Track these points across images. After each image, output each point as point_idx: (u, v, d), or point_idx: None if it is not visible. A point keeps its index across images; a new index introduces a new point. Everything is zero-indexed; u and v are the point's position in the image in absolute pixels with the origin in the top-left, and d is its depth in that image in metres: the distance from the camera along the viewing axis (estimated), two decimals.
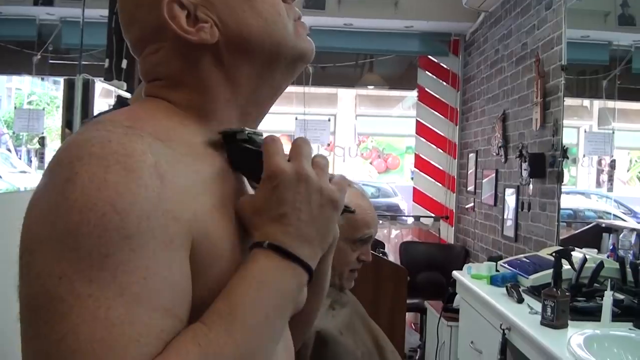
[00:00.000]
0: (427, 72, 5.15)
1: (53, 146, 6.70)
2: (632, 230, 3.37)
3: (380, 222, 4.98)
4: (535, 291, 2.54)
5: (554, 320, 2.04)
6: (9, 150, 11.39)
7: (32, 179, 8.14)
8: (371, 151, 12.53)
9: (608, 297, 2.08)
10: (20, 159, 11.30)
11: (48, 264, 0.53)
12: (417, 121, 5.20)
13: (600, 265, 2.48)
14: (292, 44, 0.72)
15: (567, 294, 2.08)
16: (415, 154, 5.28)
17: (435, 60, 5.16)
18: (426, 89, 5.15)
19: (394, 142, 12.41)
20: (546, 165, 3.20)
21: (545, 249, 3.07)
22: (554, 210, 3.15)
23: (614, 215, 4.89)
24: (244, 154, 0.68)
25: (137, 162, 0.56)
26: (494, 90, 4.18)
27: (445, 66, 5.12)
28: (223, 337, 0.57)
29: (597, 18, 3.41)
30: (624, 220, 5.06)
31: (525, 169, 3.35)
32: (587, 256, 2.59)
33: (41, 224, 0.55)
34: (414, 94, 5.40)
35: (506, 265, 2.95)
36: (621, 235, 3.34)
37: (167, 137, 0.62)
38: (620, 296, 2.28)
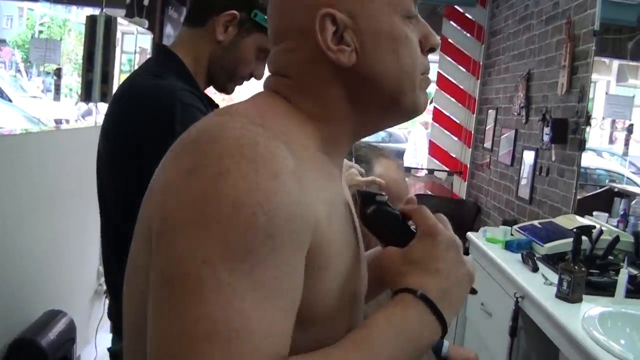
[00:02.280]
0: (451, 22, 5.02)
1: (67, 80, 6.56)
2: None
3: None
4: (550, 260, 2.57)
5: (570, 295, 2.07)
6: (19, 71, 11.23)
7: (45, 106, 7.97)
8: None
9: (623, 274, 2.10)
10: (30, 80, 11.13)
11: (192, 246, 0.56)
12: (437, 72, 5.11)
13: (616, 239, 2.49)
14: (412, 98, 0.76)
15: (583, 269, 2.09)
16: (434, 106, 5.21)
17: (461, 11, 5.03)
18: (449, 39, 5.03)
19: None
20: (568, 131, 3.17)
21: (560, 216, 3.08)
22: (572, 177, 3.13)
23: (627, 178, 4.88)
24: (381, 215, 0.75)
25: (282, 167, 0.61)
26: (521, 47, 4.08)
27: (471, 17, 4.99)
28: None
29: None
30: (638, 185, 5.06)
31: (547, 134, 3.31)
32: (603, 228, 2.60)
33: (188, 208, 0.58)
34: None
35: (521, 231, 2.96)
36: (633, 202, 3.33)
37: (290, 139, 0.66)
38: (634, 271, 2.30)
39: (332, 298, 0.68)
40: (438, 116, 5.19)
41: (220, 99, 1.60)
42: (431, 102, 5.22)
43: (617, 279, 2.13)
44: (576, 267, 2.07)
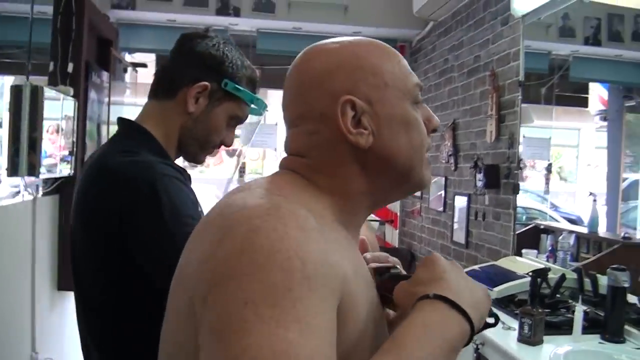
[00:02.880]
0: None
1: None
2: (571, 232, 3.55)
3: None
4: (501, 303, 2.63)
5: (531, 337, 2.12)
6: None
7: None
8: None
9: (579, 312, 2.18)
10: None
11: (235, 294, 0.60)
12: None
13: (562, 277, 2.59)
14: (420, 174, 0.84)
15: (540, 311, 2.16)
16: None
17: None
18: None
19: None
20: (501, 176, 3.31)
21: (502, 259, 3.17)
22: (509, 220, 3.26)
23: (550, 216, 5.14)
24: (394, 281, 0.81)
25: (307, 224, 0.67)
26: (443, 98, 4.27)
27: None
28: None
29: (539, 29, 3.54)
30: (557, 221, 5.33)
31: (480, 180, 3.44)
32: (544, 265, 2.71)
33: (228, 265, 0.63)
34: None
35: None
36: (560, 237, 3.50)
37: (308, 208, 0.72)
38: (582, 306, 2.40)
39: (359, 354, 0.71)
40: None
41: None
42: None
43: (572, 317, 2.21)
44: (535, 310, 2.13)
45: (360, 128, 0.78)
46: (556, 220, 5.20)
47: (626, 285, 2.12)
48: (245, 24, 4.66)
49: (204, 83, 1.31)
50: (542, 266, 2.73)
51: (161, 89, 1.36)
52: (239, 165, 4.83)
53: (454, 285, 0.74)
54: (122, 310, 1.21)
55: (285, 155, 0.87)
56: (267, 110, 1.49)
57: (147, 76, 6.18)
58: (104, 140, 3.84)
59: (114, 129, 4.09)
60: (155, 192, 1.15)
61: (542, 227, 3.80)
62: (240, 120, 1.41)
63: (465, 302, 0.72)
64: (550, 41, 3.60)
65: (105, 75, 3.79)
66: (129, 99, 4.61)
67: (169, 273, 1.12)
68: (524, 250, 3.29)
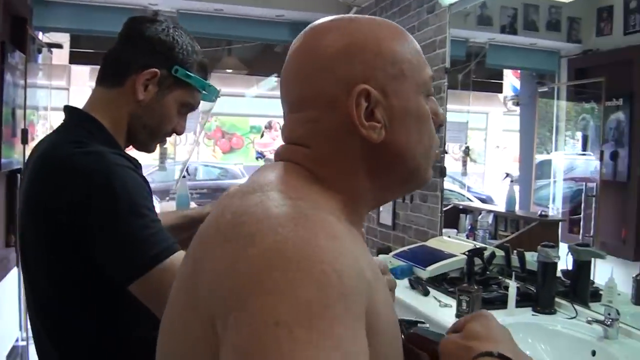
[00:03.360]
0: None
1: None
2: (490, 211, 3.74)
3: None
4: (436, 282, 2.73)
5: (469, 313, 2.22)
6: None
7: None
8: (215, 131, 12.38)
9: (513, 287, 2.31)
10: None
11: (263, 312, 0.53)
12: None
13: (493, 255, 2.73)
14: (426, 173, 0.80)
15: (476, 287, 2.27)
16: None
17: None
18: None
19: (237, 122, 12.36)
20: None
21: (431, 239, 3.29)
22: (436, 202, 3.38)
23: (467, 198, 5.37)
24: (426, 331, 0.83)
25: (337, 231, 0.62)
26: None
27: None
28: None
29: (458, 18, 3.67)
30: (471, 201, 5.57)
31: None
32: (477, 246, 2.84)
33: (254, 280, 0.56)
34: (272, 78, 5.42)
35: (399, 258, 3.12)
36: (480, 217, 3.69)
37: (325, 208, 0.67)
38: (508, 281, 2.54)
39: None
40: None
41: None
42: (259, 131, 5.28)
43: (505, 292, 2.34)
44: (472, 287, 2.24)
45: (372, 121, 0.72)
46: (470, 200, 5.45)
47: (557, 260, 2.26)
48: (165, 5, 4.52)
49: (153, 70, 1.27)
50: (471, 246, 2.86)
51: (109, 76, 1.31)
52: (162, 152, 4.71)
53: (511, 347, 0.75)
54: (71, 300, 1.19)
55: (283, 143, 0.79)
56: (219, 97, 1.47)
57: (62, 57, 5.87)
58: (20, 126, 3.64)
59: (30, 113, 3.88)
60: (109, 183, 1.12)
61: (460, 207, 3.96)
62: (192, 107, 1.38)
63: None
64: (468, 29, 3.74)
65: (19, 56, 3.58)
66: (42, 82, 4.37)
67: (125, 265, 1.11)
68: (444, 230, 3.44)
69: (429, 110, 0.77)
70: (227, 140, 12.45)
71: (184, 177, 4.36)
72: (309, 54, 0.75)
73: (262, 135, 11.64)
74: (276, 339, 0.52)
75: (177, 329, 0.66)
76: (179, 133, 1.40)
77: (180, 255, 1.13)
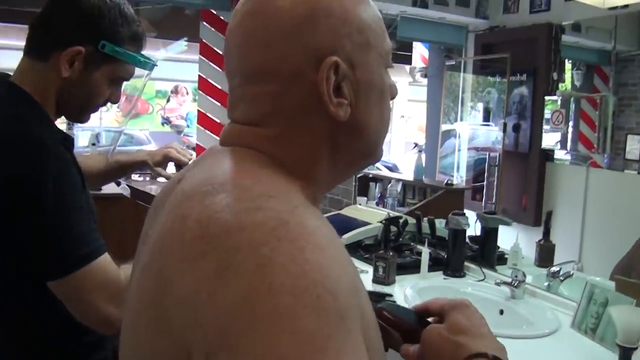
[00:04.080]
0: (211, 27, 5.08)
1: None
2: (399, 180, 3.87)
3: (141, 177, 4.87)
4: (351, 249, 2.82)
5: (385, 278, 2.32)
6: None
7: None
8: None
9: (425, 253, 2.43)
10: None
11: (260, 351, 0.48)
12: (199, 76, 5.14)
13: (406, 222, 2.85)
14: (381, 150, 0.75)
15: (392, 254, 2.37)
16: (197, 110, 5.24)
17: (221, 17, 5.11)
18: (208, 43, 5.09)
19: (134, 82, 11.89)
20: None
21: (346, 208, 3.38)
22: None
23: (376, 167, 5.51)
24: (397, 308, 0.81)
25: (322, 237, 0.55)
26: None
27: (227, 21, 5.11)
28: None
29: None
30: (379, 169, 5.73)
31: None
32: (391, 214, 2.96)
33: (241, 315, 0.49)
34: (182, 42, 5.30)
35: None
36: (389, 185, 3.82)
37: (299, 203, 0.60)
38: (420, 247, 2.67)
39: None
40: (202, 119, 5.23)
41: None
42: (164, 96, 5.16)
43: (418, 258, 2.46)
44: (388, 254, 2.34)
45: (340, 97, 0.65)
46: (379, 169, 5.61)
47: (467, 228, 2.40)
48: None
49: (77, 48, 1.20)
50: (384, 214, 2.96)
51: (35, 47, 1.24)
52: None
53: (494, 341, 0.72)
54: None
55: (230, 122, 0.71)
56: (156, 66, 1.44)
57: None
58: None
59: None
60: (44, 179, 1.09)
61: (370, 176, 4.08)
62: (125, 79, 1.33)
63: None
64: (381, 0, 3.82)
65: None
66: None
67: (51, 261, 1.09)
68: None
69: (388, 83, 0.72)
70: (127, 103, 11.99)
71: (93, 144, 4.20)
72: (267, 18, 0.65)
73: (168, 100, 11.32)
74: None
75: (143, 350, 0.59)
76: (114, 102, 1.35)
77: (106, 258, 1.13)
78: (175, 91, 11.11)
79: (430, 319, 0.79)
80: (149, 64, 1.34)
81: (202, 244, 0.54)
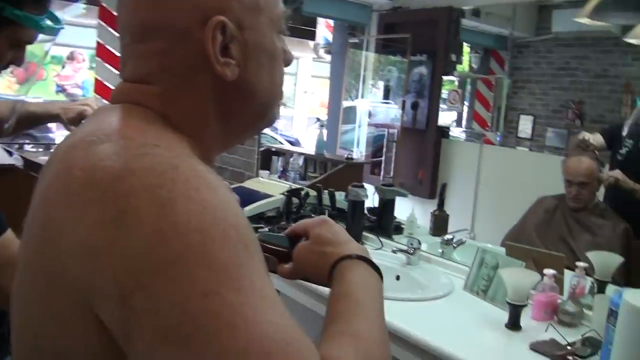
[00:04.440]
0: None
1: None
2: (300, 154, 3.94)
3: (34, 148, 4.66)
4: (252, 221, 2.85)
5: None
6: None
7: None
8: None
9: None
10: None
11: (180, 288, 0.50)
12: (97, 42, 4.93)
13: (307, 194, 2.91)
14: (275, 111, 0.76)
15: (293, 225, 2.43)
16: (95, 78, 5.03)
17: None
18: (108, 7, 4.89)
19: (35, 49, 11.21)
20: None
21: (248, 180, 3.40)
22: (252, 144, 3.47)
23: (278, 140, 5.53)
24: (268, 234, 0.89)
25: (212, 180, 0.57)
26: None
27: None
28: (364, 324, 0.66)
29: None
30: (281, 143, 5.77)
31: None
32: (293, 186, 3.01)
33: (153, 256, 0.51)
34: (80, 4, 5.04)
35: None
36: (291, 159, 3.88)
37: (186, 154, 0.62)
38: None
39: None
40: (100, 88, 5.03)
41: None
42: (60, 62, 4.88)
43: None
44: (290, 225, 2.40)
45: (227, 57, 0.66)
46: (281, 143, 5.65)
47: (365, 199, 2.49)
48: None
49: None
50: (286, 186, 3.01)
51: None
52: None
53: (355, 244, 0.79)
54: None
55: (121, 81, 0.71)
56: (63, 29, 1.38)
57: None
58: None
59: None
60: None
61: (273, 149, 4.11)
62: (27, 43, 1.28)
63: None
64: None
65: None
66: None
67: None
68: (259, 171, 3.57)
69: (280, 48, 0.74)
70: (23, 71, 11.29)
71: None
72: None
73: (63, 67, 10.73)
74: (212, 310, 0.50)
75: (32, 309, 0.60)
76: (19, 65, 1.28)
77: (9, 235, 1.08)
78: (71, 57, 10.51)
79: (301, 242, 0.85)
80: (54, 29, 1.28)
81: (90, 191, 0.54)
